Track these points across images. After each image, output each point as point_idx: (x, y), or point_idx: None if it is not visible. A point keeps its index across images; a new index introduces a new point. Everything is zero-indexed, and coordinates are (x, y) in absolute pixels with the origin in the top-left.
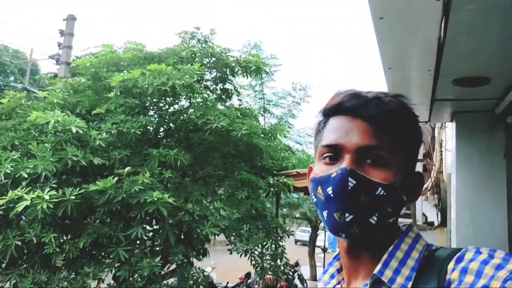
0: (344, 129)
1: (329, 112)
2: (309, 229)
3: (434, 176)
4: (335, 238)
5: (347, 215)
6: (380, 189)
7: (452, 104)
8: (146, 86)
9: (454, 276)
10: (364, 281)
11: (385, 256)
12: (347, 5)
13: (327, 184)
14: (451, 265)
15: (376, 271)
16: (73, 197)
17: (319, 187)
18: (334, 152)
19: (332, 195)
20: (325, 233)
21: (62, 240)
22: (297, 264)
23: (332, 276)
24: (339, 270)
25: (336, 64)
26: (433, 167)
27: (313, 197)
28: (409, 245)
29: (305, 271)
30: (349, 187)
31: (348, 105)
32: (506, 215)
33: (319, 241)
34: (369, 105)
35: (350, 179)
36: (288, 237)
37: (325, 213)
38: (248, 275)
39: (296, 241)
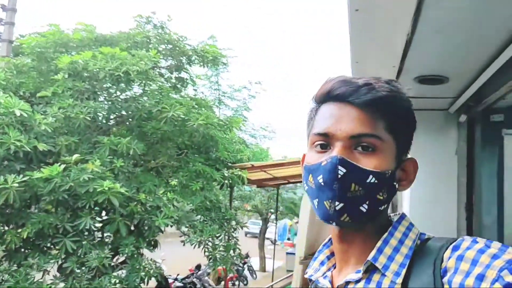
0: (334, 117)
1: (321, 99)
2: (260, 221)
3: None
4: (285, 230)
5: (337, 203)
6: (371, 177)
7: (415, 102)
8: (98, 70)
9: (450, 264)
10: (356, 268)
11: (380, 243)
12: (340, 1)
13: (317, 172)
14: (447, 254)
15: (370, 257)
16: (16, 185)
17: (310, 175)
18: (325, 140)
19: (322, 183)
20: (275, 226)
21: (3, 230)
22: (247, 256)
23: (322, 263)
24: (329, 257)
25: (329, 60)
26: None
27: (305, 184)
28: (402, 233)
29: (254, 263)
30: (339, 176)
31: (338, 92)
32: (456, 208)
33: (269, 234)
34: (359, 92)
35: (340, 167)
36: (242, 228)
37: (315, 201)
38: (198, 266)
39: (246, 233)
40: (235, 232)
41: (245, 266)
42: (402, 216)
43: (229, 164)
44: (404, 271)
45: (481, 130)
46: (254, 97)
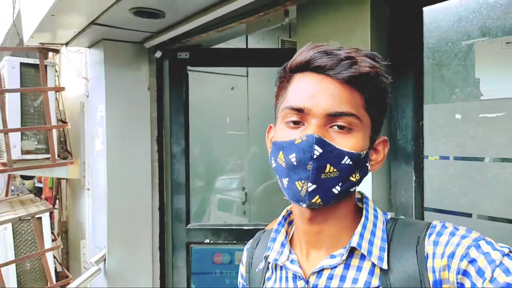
0: (311, 91)
1: (296, 69)
2: None
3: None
4: None
5: (310, 185)
6: (346, 158)
7: (110, 31)
8: None
9: (428, 251)
10: (329, 252)
11: (360, 227)
12: None
13: (290, 150)
14: (426, 241)
15: (354, 243)
16: None
17: (281, 152)
18: (299, 116)
19: (295, 163)
20: None
21: None
22: None
23: (282, 244)
24: (286, 237)
25: None
26: (60, 96)
27: (273, 161)
28: (373, 216)
29: None
30: (315, 156)
31: (319, 64)
32: (150, 142)
33: None
34: (341, 65)
35: (316, 147)
36: None
37: (285, 180)
38: None
39: None
40: None
41: None
42: (365, 196)
43: None
44: (385, 255)
45: (169, 66)
46: None
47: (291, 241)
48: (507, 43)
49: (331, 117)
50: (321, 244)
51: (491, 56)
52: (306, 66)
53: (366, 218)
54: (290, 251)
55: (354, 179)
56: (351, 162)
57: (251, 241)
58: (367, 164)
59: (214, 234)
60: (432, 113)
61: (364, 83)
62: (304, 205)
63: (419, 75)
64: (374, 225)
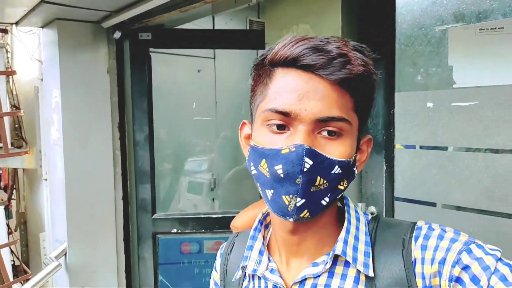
0: (298, 92)
1: (278, 63)
2: None
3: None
4: None
5: (298, 199)
6: (336, 167)
7: (64, 9)
8: None
9: (417, 255)
10: (311, 260)
11: (343, 233)
12: None
13: (275, 160)
14: (413, 245)
15: (338, 251)
16: None
17: (264, 161)
18: (284, 120)
19: (282, 175)
20: None
21: None
22: None
23: (260, 252)
24: (263, 244)
25: None
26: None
27: (253, 168)
28: (355, 218)
29: None
30: (305, 169)
31: (308, 62)
32: (111, 129)
33: None
34: (333, 65)
35: (306, 159)
36: None
37: (269, 192)
38: None
39: None
40: None
41: None
42: (345, 197)
43: None
44: (371, 261)
45: (130, 47)
46: None
47: (268, 245)
48: (481, 29)
49: (321, 122)
50: (302, 253)
51: (464, 43)
52: (292, 63)
53: (349, 221)
54: (268, 258)
55: (342, 187)
56: (341, 171)
57: (224, 245)
58: (355, 169)
59: (182, 224)
60: (404, 101)
61: (356, 84)
62: (291, 220)
63: (391, 62)
64: (357, 228)
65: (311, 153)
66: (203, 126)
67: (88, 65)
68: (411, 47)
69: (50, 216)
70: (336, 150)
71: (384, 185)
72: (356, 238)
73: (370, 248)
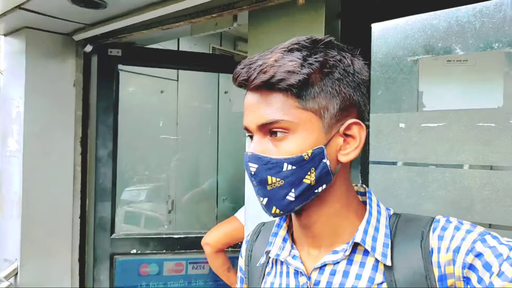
0: (246, 109)
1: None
2: None
3: None
4: None
5: (262, 199)
6: (286, 165)
7: (36, 18)
8: None
9: (433, 245)
10: (329, 248)
11: (364, 223)
12: None
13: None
14: (430, 236)
15: (358, 239)
16: None
17: None
18: (249, 132)
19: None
20: None
21: None
22: None
23: (284, 239)
24: (288, 232)
25: None
26: None
27: None
28: (377, 211)
29: None
30: (252, 173)
31: (240, 79)
32: (73, 143)
33: None
34: (252, 75)
35: (250, 164)
36: None
37: None
38: None
39: None
40: None
41: None
42: (368, 191)
43: None
44: (389, 251)
45: (99, 63)
46: None
47: (292, 235)
48: (448, 61)
49: (264, 128)
50: (319, 244)
51: (433, 71)
52: (237, 84)
53: (370, 213)
54: (292, 246)
55: (308, 181)
56: (294, 167)
57: (250, 233)
58: (325, 160)
59: (142, 244)
60: (378, 122)
61: (278, 84)
62: (270, 216)
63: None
64: (378, 220)
65: (253, 158)
66: (165, 146)
67: (54, 76)
68: (385, 74)
69: (0, 234)
70: (283, 149)
71: None
72: (376, 229)
73: (390, 240)
